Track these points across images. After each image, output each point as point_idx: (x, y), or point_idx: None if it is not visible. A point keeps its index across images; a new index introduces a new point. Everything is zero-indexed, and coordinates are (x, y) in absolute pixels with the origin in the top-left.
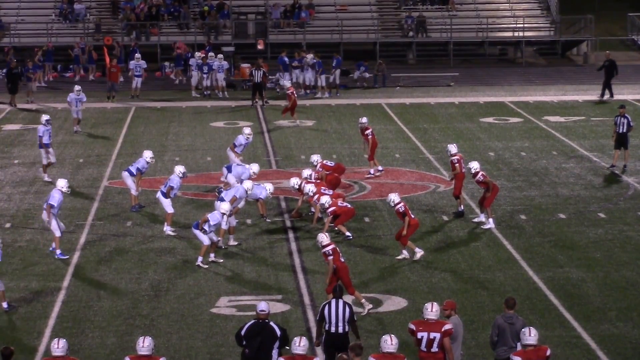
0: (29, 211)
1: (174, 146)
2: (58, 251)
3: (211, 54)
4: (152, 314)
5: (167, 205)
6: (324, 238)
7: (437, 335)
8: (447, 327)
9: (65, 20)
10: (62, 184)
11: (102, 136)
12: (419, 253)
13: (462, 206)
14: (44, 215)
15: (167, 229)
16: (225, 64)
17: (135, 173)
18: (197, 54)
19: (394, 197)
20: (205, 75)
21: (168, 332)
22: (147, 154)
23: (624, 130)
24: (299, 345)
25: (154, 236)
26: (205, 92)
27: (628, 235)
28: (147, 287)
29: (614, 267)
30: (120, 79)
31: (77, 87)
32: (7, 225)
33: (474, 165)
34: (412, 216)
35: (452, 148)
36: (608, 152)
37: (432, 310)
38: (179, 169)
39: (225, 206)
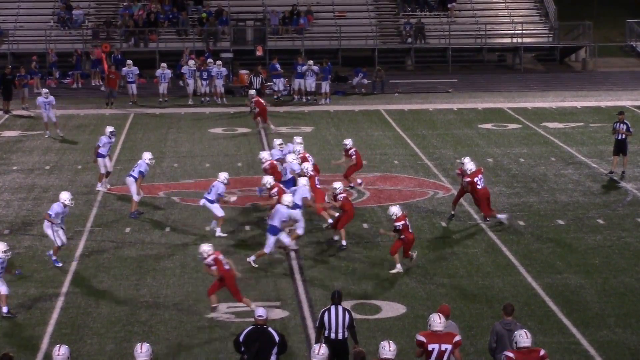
0: (27, 218)
1: (173, 152)
2: (54, 257)
3: (210, 60)
4: (151, 321)
5: (217, 209)
6: (207, 248)
7: (449, 347)
8: (458, 338)
9: (64, 27)
10: (64, 196)
11: None
12: (398, 269)
13: (454, 210)
14: (45, 225)
15: (218, 232)
16: (223, 70)
17: (137, 177)
18: (191, 62)
19: (395, 211)
20: (203, 82)
21: (166, 338)
22: (147, 155)
23: (623, 137)
24: (318, 353)
25: (153, 243)
26: (203, 100)
27: (627, 241)
28: (145, 293)
29: (612, 273)
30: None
31: (44, 90)
32: (6, 232)
33: (470, 166)
34: (410, 230)
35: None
36: (607, 159)
37: (439, 322)
38: (224, 176)
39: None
